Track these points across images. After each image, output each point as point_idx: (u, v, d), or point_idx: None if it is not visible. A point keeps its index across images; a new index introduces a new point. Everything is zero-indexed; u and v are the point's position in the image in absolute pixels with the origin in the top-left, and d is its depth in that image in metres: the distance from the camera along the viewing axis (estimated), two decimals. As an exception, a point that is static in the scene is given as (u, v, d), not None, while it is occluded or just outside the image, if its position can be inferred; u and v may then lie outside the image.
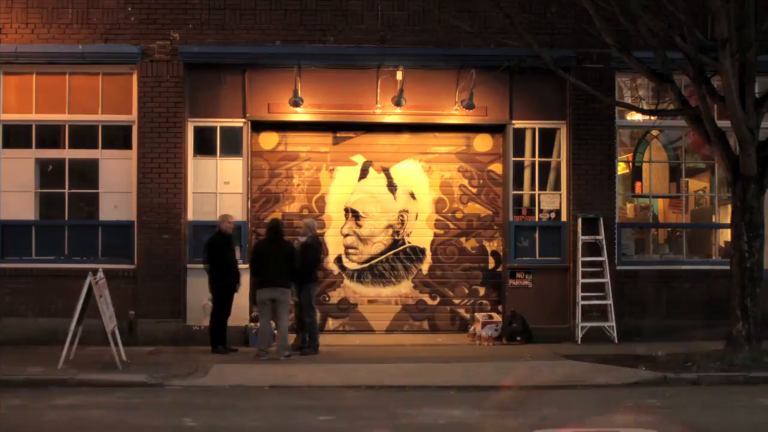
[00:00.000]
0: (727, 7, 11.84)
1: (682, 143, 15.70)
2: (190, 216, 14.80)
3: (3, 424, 9.14)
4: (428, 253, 15.46)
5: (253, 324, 14.53)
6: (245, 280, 14.68)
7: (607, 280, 14.71)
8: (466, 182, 15.50)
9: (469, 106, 14.81)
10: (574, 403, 10.59)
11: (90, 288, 12.07)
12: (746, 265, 12.78)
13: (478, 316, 15.09)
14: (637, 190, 15.64)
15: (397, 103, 14.79)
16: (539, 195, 15.31)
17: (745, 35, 12.01)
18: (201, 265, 14.47)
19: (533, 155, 15.34)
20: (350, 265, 15.38)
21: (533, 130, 15.34)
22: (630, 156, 15.61)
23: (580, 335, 14.58)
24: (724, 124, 13.00)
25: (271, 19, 14.73)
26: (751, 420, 9.59)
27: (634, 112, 15.02)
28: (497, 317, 15.07)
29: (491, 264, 15.47)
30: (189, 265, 14.59)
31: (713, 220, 15.80)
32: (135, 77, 14.68)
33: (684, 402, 10.50)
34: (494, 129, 15.46)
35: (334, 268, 15.34)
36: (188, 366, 12.51)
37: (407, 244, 15.43)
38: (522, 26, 13.44)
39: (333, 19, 14.78)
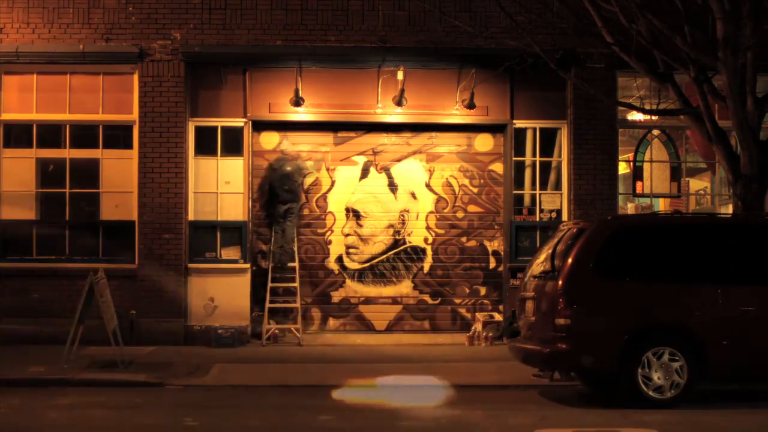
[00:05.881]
0: (728, 7, 11.83)
1: (683, 143, 15.69)
2: (191, 216, 14.80)
3: (4, 424, 9.15)
4: (429, 253, 15.46)
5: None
6: (245, 279, 14.72)
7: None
8: (467, 182, 15.50)
9: (470, 106, 14.81)
10: (575, 401, 10.59)
11: (91, 287, 12.07)
12: (747, 264, 12.75)
13: (479, 315, 15.09)
14: (638, 190, 15.63)
15: (398, 103, 14.80)
16: (540, 195, 15.32)
17: (746, 34, 12.00)
18: (202, 265, 14.52)
19: (534, 155, 15.34)
20: (351, 264, 15.37)
21: (534, 129, 15.34)
22: (631, 156, 15.60)
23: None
24: (725, 123, 12.99)
25: (272, 19, 14.73)
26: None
27: (635, 112, 15.01)
28: (498, 317, 15.07)
29: (492, 264, 15.46)
30: (190, 265, 14.59)
31: (714, 219, 15.78)
32: (136, 77, 14.68)
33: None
34: (495, 129, 15.46)
35: (335, 268, 15.33)
36: (189, 366, 12.52)
37: (408, 244, 15.42)
38: (523, 26, 13.44)
39: (334, 18, 14.78)
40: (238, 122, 14.93)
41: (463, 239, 15.43)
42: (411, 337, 15.10)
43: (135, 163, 14.68)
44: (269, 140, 15.31)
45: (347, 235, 15.39)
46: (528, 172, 15.39)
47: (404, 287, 15.40)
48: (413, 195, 15.48)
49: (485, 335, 14.76)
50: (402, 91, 14.69)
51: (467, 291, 15.43)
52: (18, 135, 14.94)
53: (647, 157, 15.57)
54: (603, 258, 10.18)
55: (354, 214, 15.39)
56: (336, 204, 15.36)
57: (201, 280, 14.60)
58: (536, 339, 10.54)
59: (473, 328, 15.03)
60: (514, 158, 15.26)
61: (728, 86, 12.09)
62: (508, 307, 14.98)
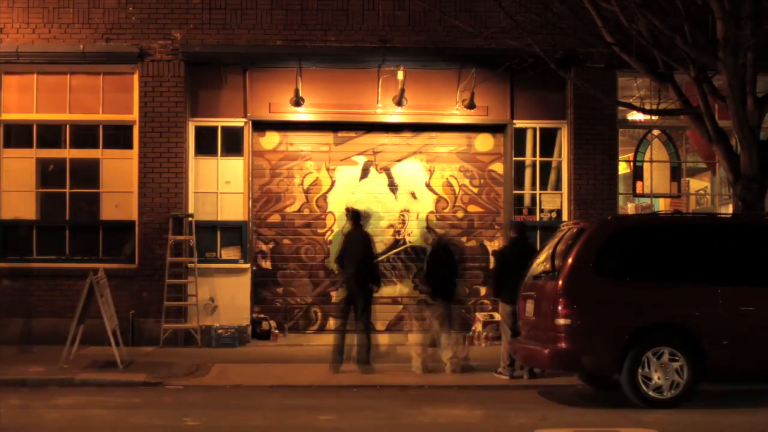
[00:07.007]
0: (728, 7, 11.83)
1: (683, 143, 15.70)
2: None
3: (4, 424, 9.15)
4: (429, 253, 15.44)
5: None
6: (246, 279, 14.72)
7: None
8: (467, 182, 15.50)
9: (470, 106, 14.82)
10: (575, 401, 10.60)
11: (91, 287, 12.07)
12: (747, 264, 12.74)
13: (479, 315, 15.09)
14: (638, 190, 15.63)
15: (398, 103, 14.81)
16: (540, 195, 15.32)
17: (746, 34, 12.01)
18: (202, 265, 14.52)
19: (534, 155, 15.35)
20: (351, 264, 15.34)
21: (534, 129, 15.34)
22: (631, 156, 15.60)
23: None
24: (725, 123, 13.00)
25: (272, 19, 14.74)
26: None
27: (635, 112, 15.02)
28: (498, 317, 15.04)
29: (492, 263, 15.44)
30: (190, 265, 14.58)
31: (714, 219, 15.77)
32: (136, 77, 14.69)
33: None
34: (495, 129, 15.46)
35: (335, 268, 15.30)
36: (189, 366, 12.52)
37: (408, 244, 15.42)
38: (523, 26, 13.45)
39: (334, 18, 14.79)
40: (238, 122, 14.94)
41: (464, 239, 15.43)
42: (411, 337, 15.07)
43: (135, 163, 14.68)
44: (269, 140, 15.31)
45: (347, 235, 15.36)
46: (528, 172, 15.39)
47: (404, 287, 15.40)
48: (413, 195, 15.48)
49: (485, 335, 14.76)
50: (402, 91, 14.70)
51: (467, 291, 15.42)
52: (18, 135, 14.94)
53: (647, 157, 15.57)
54: (603, 258, 10.18)
55: (354, 214, 15.35)
56: (336, 204, 15.35)
57: (201, 280, 14.58)
58: (536, 339, 10.55)
59: (473, 328, 15.03)
60: (514, 158, 15.26)
61: (728, 86, 12.09)
62: (508, 307, 14.98)
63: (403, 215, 15.42)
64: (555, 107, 15.22)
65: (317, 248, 15.28)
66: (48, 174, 14.89)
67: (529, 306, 10.79)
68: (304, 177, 15.34)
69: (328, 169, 15.39)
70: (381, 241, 15.33)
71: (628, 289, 10.15)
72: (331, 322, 15.29)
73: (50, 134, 14.88)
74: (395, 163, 15.47)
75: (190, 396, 10.94)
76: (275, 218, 15.31)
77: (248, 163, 14.98)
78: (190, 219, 14.55)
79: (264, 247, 15.23)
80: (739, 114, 12.16)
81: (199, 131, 14.95)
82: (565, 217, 15.07)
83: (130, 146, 14.80)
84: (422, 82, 14.99)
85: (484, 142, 15.54)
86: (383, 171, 15.46)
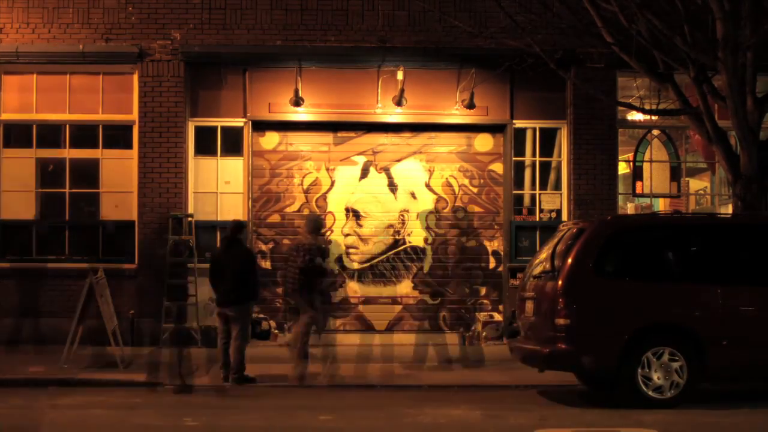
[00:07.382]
0: (728, 7, 11.83)
1: (682, 143, 15.70)
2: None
3: (4, 424, 9.15)
4: (429, 253, 15.45)
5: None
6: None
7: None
8: (466, 182, 15.50)
9: (470, 106, 14.82)
10: (575, 401, 10.60)
11: (91, 287, 12.07)
12: (747, 264, 12.73)
13: (479, 315, 15.10)
14: (638, 190, 15.63)
15: (398, 103, 14.81)
16: (540, 195, 15.32)
17: (745, 34, 12.01)
18: (202, 265, 14.49)
19: (534, 155, 15.35)
20: (351, 264, 15.37)
21: (534, 129, 15.35)
22: (631, 156, 15.60)
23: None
24: (725, 123, 13.00)
25: (271, 19, 14.74)
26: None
27: (634, 112, 15.02)
28: (498, 317, 15.07)
29: (492, 263, 15.46)
30: (190, 265, 14.58)
31: (714, 219, 15.77)
32: (136, 77, 14.69)
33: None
34: (495, 129, 15.46)
35: (335, 268, 15.32)
36: (189, 366, 12.52)
37: (408, 244, 15.42)
38: (523, 26, 13.45)
39: (334, 18, 14.79)
40: (238, 122, 14.94)
41: (463, 239, 15.43)
42: (411, 337, 15.11)
43: (135, 163, 14.69)
44: (269, 140, 15.31)
45: (347, 235, 15.39)
46: (528, 172, 15.40)
47: (404, 287, 15.40)
48: (413, 195, 15.47)
49: (485, 335, 14.77)
50: (402, 91, 14.70)
51: (467, 291, 15.43)
52: (18, 135, 14.95)
53: (647, 157, 15.57)
54: (603, 258, 10.19)
55: (354, 214, 15.38)
56: (336, 204, 15.35)
57: (201, 280, 14.56)
58: (536, 339, 10.55)
59: (473, 328, 15.04)
60: (514, 158, 15.26)
61: (728, 86, 12.09)
62: (508, 307, 14.99)
63: (402, 215, 15.41)
64: (555, 107, 15.22)
65: (317, 248, 15.26)
66: (48, 174, 14.89)
67: (529, 306, 10.79)
68: (303, 177, 15.34)
69: (327, 169, 15.39)
70: (381, 241, 15.35)
71: (627, 289, 10.16)
72: (331, 322, 15.29)
73: (50, 134, 14.88)
74: (395, 163, 15.47)
75: (190, 396, 10.94)
76: (275, 218, 15.31)
77: (248, 163, 14.98)
78: (189, 219, 14.56)
79: (264, 247, 15.23)
80: (739, 114, 12.16)
81: (199, 131, 14.96)
82: (564, 217, 15.07)
83: (129, 146, 14.81)
84: (422, 82, 14.99)
85: (483, 142, 15.54)
86: (383, 171, 15.46)
